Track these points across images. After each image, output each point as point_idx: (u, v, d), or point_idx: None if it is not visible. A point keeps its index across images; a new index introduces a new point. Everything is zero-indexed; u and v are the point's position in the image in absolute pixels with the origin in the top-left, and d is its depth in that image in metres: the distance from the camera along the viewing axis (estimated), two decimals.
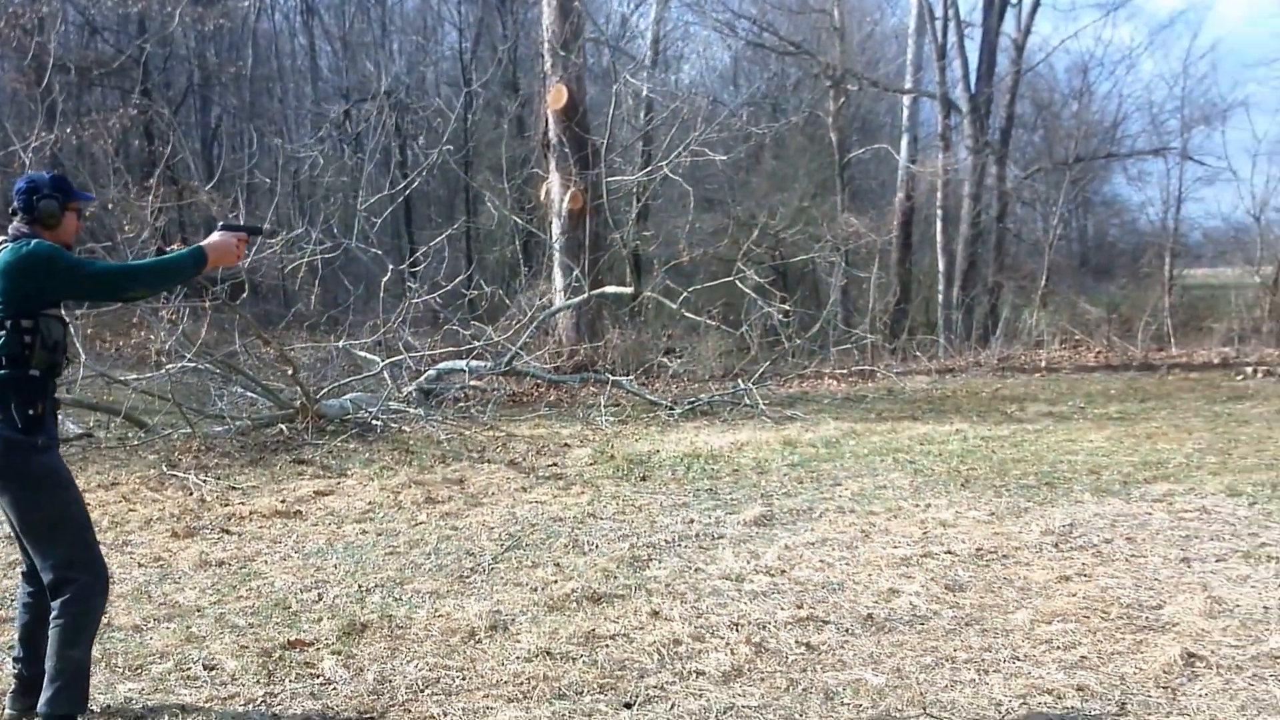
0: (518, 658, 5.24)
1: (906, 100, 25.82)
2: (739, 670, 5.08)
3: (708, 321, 16.61)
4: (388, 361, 13.90)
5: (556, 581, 6.53)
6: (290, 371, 12.04)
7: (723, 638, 5.50)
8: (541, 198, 19.69)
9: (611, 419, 13.49)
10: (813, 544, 7.44)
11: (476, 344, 15.07)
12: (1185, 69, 38.27)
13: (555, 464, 10.66)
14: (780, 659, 5.24)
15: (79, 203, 4.52)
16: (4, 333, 4.19)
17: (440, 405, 13.91)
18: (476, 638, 5.52)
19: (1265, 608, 5.94)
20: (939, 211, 25.27)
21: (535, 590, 6.36)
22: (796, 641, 5.46)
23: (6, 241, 4.31)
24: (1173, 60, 63.49)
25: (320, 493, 9.23)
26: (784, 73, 30.18)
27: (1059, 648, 5.38)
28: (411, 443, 11.62)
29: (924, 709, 4.66)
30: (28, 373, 4.22)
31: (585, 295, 16.66)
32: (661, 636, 5.47)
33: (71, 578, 4.30)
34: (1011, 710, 4.65)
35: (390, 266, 15.11)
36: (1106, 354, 20.75)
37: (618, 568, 6.86)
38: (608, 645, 5.42)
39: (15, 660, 4.64)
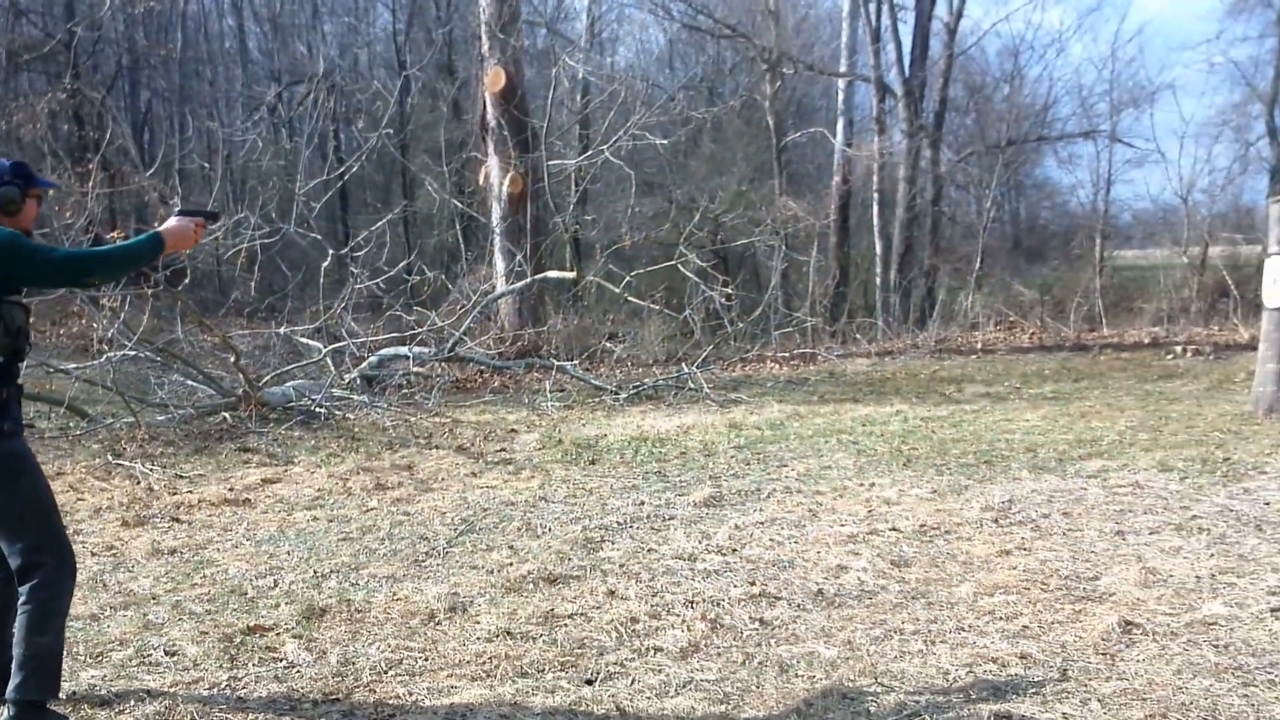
0: (478, 638, 5.34)
1: (841, 84, 26.01)
2: (696, 646, 5.21)
3: (651, 306, 16.72)
4: (330, 348, 13.90)
5: (512, 564, 6.63)
6: (233, 359, 12.03)
7: (679, 615, 5.62)
8: (480, 182, 19.71)
9: (557, 404, 13.58)
10: (762, 523, 7.58)
11: (419, 330, 15.10)
12: (1113, 52, 38.87)
13: (504, 449, 10.74)
14: (735, 634, 5.38)
15: (39, 189, 4.48)
16: None
17: (384, 392, 13.93)
18: (436, 619, 5.61)
19: (1197, 577, 6.14)
20: (875, 195, 25.49)
21: (492, 573, 6.45)
22: (750, 617, 5.59)
23: None
24: (1101, 44, 64.10)
25: (268, 480, 9.25)
26: (720, 56, 30.29)
27: (1002, 618, 5.54)
28: (357, 430, 11.66)
29: (876, 679, 4.81)
30: None
31: (529, 280, 16.72)
32: (619, 615, 5.58)
33: (39, 563, 4.26)
34: (959, 679, 4.80)
35: (331, 252, 15.13)
36: (1040, 335, 21.05)
37: (572, 549, 6.97)
38: (566, 625, 5.53)
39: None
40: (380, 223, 15.46)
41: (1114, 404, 12.95)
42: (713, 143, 26.64)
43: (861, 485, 8.78)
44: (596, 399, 14.02)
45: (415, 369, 15.06)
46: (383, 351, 15.23)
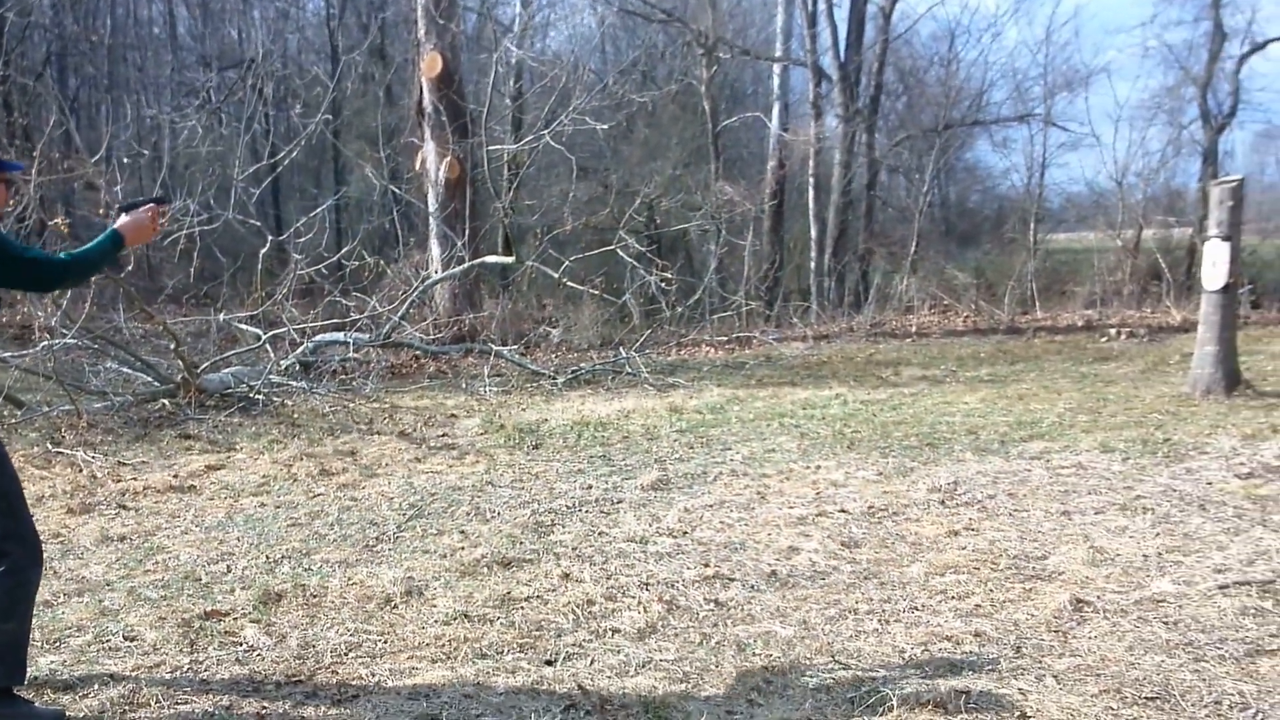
0: (436, 621, 5.32)
1: (776, 69, 26.05)
2: (653, 627, 5.23)
3: (590, 291, 16.70)
4: (270, 334, 13.76)
5: (464, 548, 6.61)
6: (173, 345, 11.87)
7: (634, 597, 5.64)
8: (417, 167, 19.56)
9: (496, 389, 13.54)
10: (711, 506, 7.61)
11: (358, 316, 14.99)
12: (1049, 36, 39.21)
13: (446, 434, 10.70)
14: (692, 615, 5.40)
15: (7, 173, 4.39)
16: None
17: (321, 378, 13.82)
18: (393, 603, 5.58)
19: (1144, 556, 6.24)
20: (811, 179, 25.56)
21: (445, 557, 6.43)
22: (705, 599, 5.61)
23: None
24: (1037, 27, 64.68)
25: (212, 467, 9.16)
26: (652, 40, 30.25)
27: (954, 597, 5.61)
28: (297, 416, 11.56)
29: (833, 657, 4.84)
30: None
31: (468, 265, 16.64)
32: (575, 597, 5.59)
33: (5, 551, 4.21)
34: (915, 656, 4.85)
35: (270, 238, 14.98)
36: (974, 318, 21.25)
37: (523, 533, 6.96)
38: (523, 607, 5.52)
39: None
40: (320, 208, 15.32)
41: (1051, 386, 13.10)
42: (647, 128, 26.60)
43: (807, 468, 8.82)
44: (535, 384, 13.98)
45: (352, 355, 14.95)
46: (320, 337, 15.08)
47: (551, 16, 32.96)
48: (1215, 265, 11.59)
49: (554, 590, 5.77)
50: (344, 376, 14.15)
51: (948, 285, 23.19)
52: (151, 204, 4.48)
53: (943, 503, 7.62)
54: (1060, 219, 28.87)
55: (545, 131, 17.24)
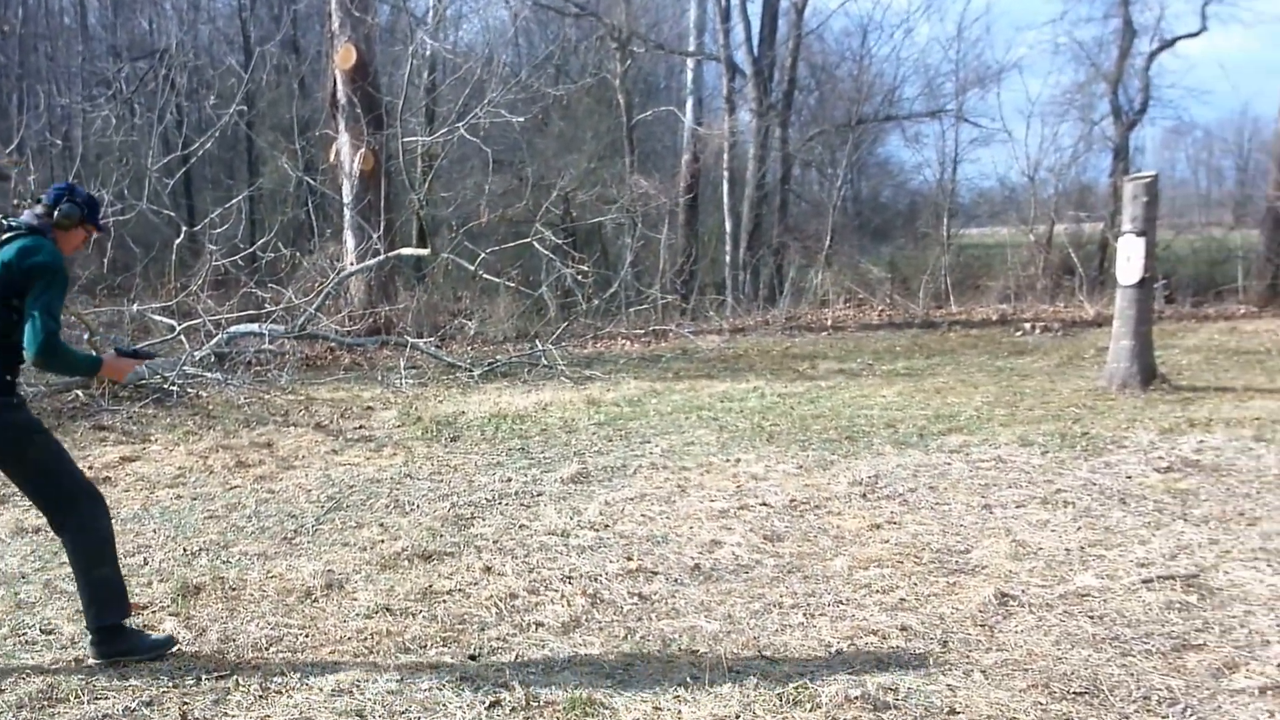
0: (358, 615, 5.22)
1: (690, 63, 26.06)
2: (577, 621, 5.16)
3: (506, 284, 16.58)
4: (184, 325, 13.49)
5: (384, 541, 6.51)
6: (87, 336, 11.60)
7: (557, 590, 5.56)
8: (331, 159, 19.30)
9: (412, 381, 13.38)
10: (632, 499, 7.54)
11: (273, 308, 14.77)
12: (960, 32, 39.55)
13: (363, 426, 10.55)
14: (615, 609, 5.33)
15: (94, 228, 4.95)
16: None
17: (235, 370, 13.57)
18: (313, 597, 5.48)
19: (1067, 550, 6.27)
20: (725, 174, 25.59)
21: (365, 550, 6.32)
22: (629, 592, 5.55)
23: (19, 229, 4.68)
24: (948, 24, 65.43)
25: (126, 459, 8.97)
26: (566, 34, 30.13)
27: (878, 591, 5.59)
28: (211, 408, 11.35)
29: (759, 652, 4.80)
30: (8, 343, 4.58)
31: (383, 257, 16.44)
32: (497, 591, 5.51)
33: (72, 509, 4.69)
34: (842, 651, 4.82)
35: (184, 228, 14.71)
36: (889, 312, 21.38)
37: (443, 526, 6.86)
38: (445, 601, 5.44)
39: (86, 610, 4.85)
40: (235, 200, 15.07)
41: (968, 380, 13.19)
42: (562, 121, 26.50)
43: (727, 461, 8.80)
44: (451, 376, 13.84)
45: (267, 346, 14.72)
46: (234, 329, 14.81)
47: (465, 9, 32.73)
48: (1130, 260, 11.73)
49: (476, 584, 5.68)
50: (259, 368, 13.91)
51: (862, 279, 23.32)
52: (136, 356, 5.01)
53: (864, 496, 7.62)
54: (973, 214, 29.15)
55: (460, 124, 17.08)
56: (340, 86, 18.35)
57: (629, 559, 6.09)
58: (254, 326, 14.87)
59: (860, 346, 17.12)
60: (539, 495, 7.72)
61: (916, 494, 7.66)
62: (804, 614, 5.26)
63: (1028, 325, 18.75)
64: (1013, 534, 6.60)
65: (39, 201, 4.83)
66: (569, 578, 5.78)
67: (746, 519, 7.02)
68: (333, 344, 16.08)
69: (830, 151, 27.11)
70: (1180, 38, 26.79)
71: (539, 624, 5.12)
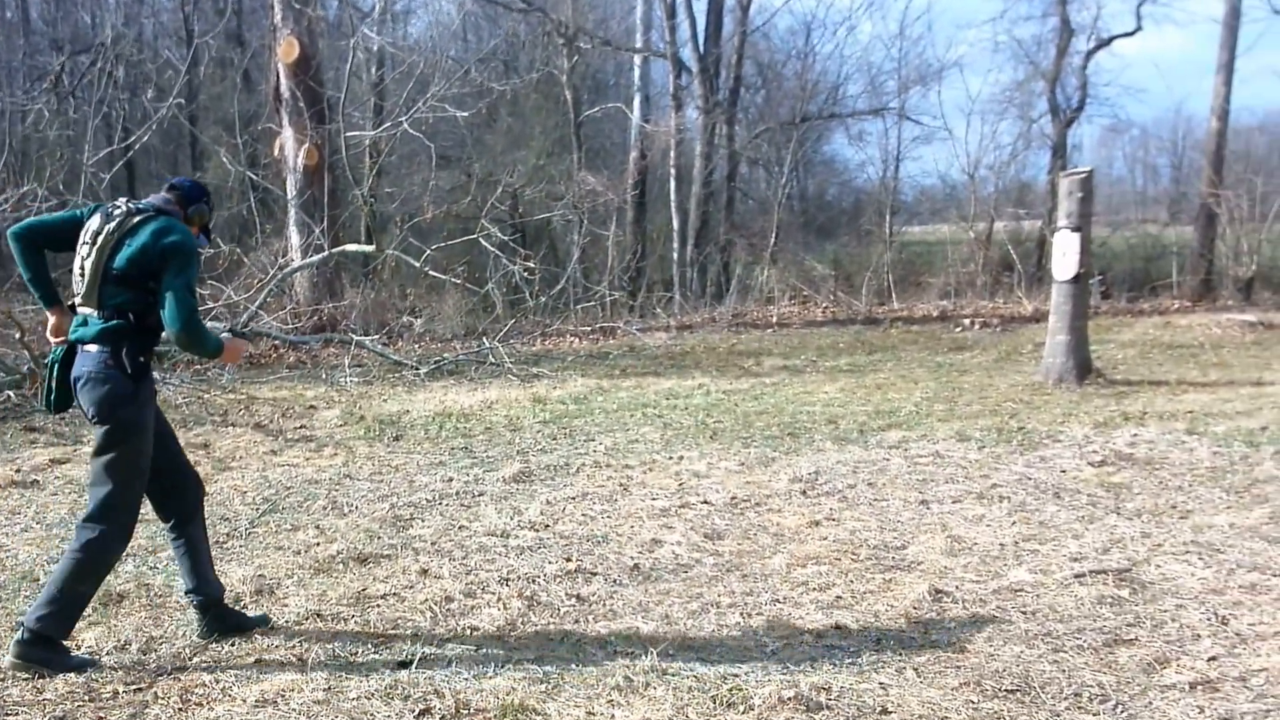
0: (288, 621, 5.15)
1: (637, 59, 26.03)
2: (512, 624, 5.12)
3: (453, 280, 16.50)
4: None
5: (319, 544, 6.44)
6: (18, 335, 11.45)
7: (494, 593, 5.52)
8: (275, 154, 19.14)
9: (356, 380, 13.29)
10: (574, 498, 7.52)
11: (213, 305, 14.62)
12: (902, 30, 39.68)
13: (304, 426, 10.46)
14: (553, 611, 5.30)
15: (207, 236, 5.11)
16: (130, 293, 4.61)
17: (175, 369, 13.43)
18: (242, 603, 5.39)
19: (1001, 545, 6.30)
20: (672, 170, 25.57)
21: (299, 553, 6.25)
22: (567, 594, 5.52)
23: (147, 211, 4.70)
24: (891, 21, 65.50)
25: (56, 461, 8.84)
26: (514, 29, 30.01)
27: (815, 589, 5.59)
28: None
29: (695, 653, 4.78)
30: (145, 325, 4.66)
31: (327, 253, 16.31)
32: (433, 594, 5.46)
33: (104, 520, 4.70)
34: (776, 651, 4.81)
35: None
36: (833, 309, 21.42)
37: (380, 528, 6.80)
38: (379, 605, 5.38)
39: (186, 594, 5.03)
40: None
41: (908, 376, 13.27)
42: (510, 117, 26.41)
43: (670, 459, 8.79)
44: (397, 374, 13.75)
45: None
46: None
47: (412, 4, 32.59)
48: (1065, 255, 11.82)
49: (411, 587, 5.63)
50: (199, 367, 13.77)
51: (807, 277, 23.37)
52: (245, 342, 4.89)
53: (804, 493, 7.63)
54: (914, 212, 29.29)
55: (404, 118, 16.98)
56: (283, 81, 18.20)
57: (568, 560, 6.06)
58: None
59: (804, 343, 17.17)
60: (480, 495, 7.67)
61: (855, 490, 7.68)
62: (741, 614, 5.26)
63: (967, 321, 18.88)
64: (948, 529, 6.63)
65: (171, 188, 4.89)
66: (506, 580, 5.74)
67: (687, 517, 7.02)
68: (276, 342, 15.95)
69: (776, 149, 27.15)
70: (1116, 37, 27.13)
71: (474, 628, 5.07)
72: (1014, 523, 6.77)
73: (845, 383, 12.77)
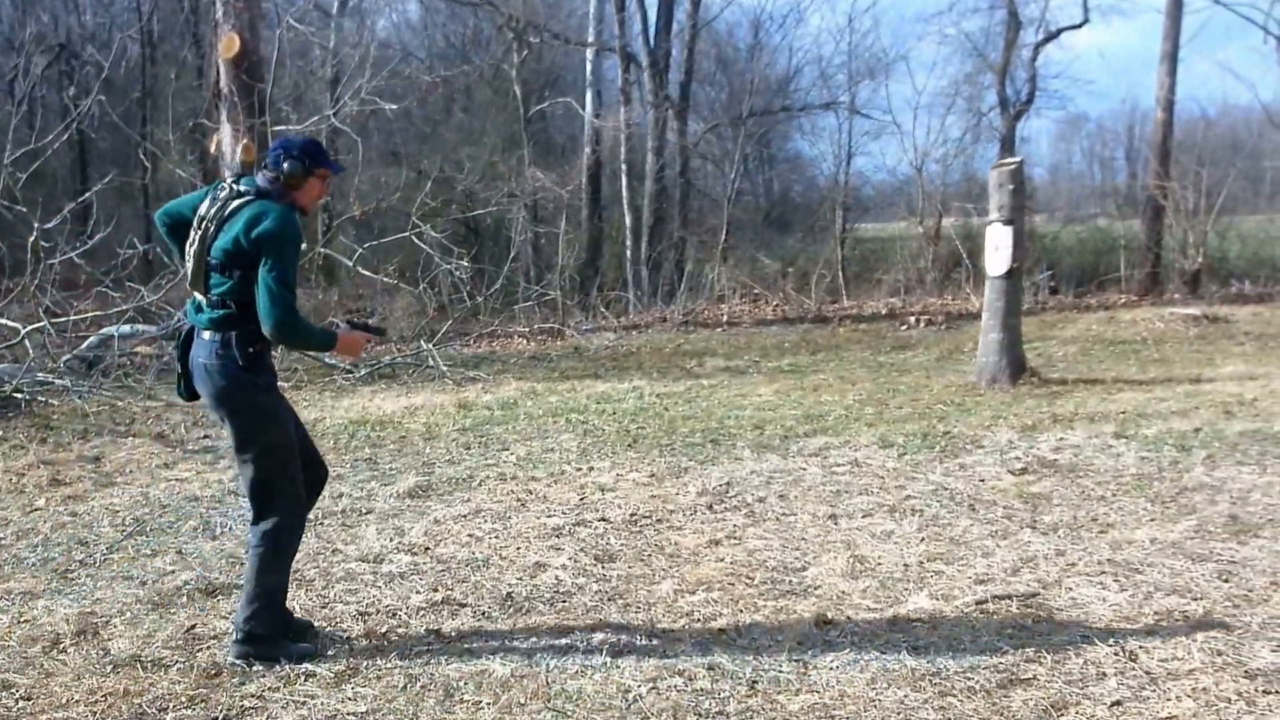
0: (101, 669, 4.66)
1: (589, 54, 25.65)
2: (355, 670, 4.64)
3: (384, 280, 16.08)
4: (29, 329, 12.83)
5: (173, 572, 6.00)
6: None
7: (345, 631, 5.09)
8: (212, 151, 18.62)
9: (287, 384, 12.86)
10: (465, 516, 7.11)
11: (148, 308, 14.20)
12: (850, 22, 39.54)
13: (208, 435, 10.02)
14: (403, 651, 4.84)
15: (327, 170, 4.80)
16: (232, 281, 4.50)
17: (107, 373, 12.97)
18: (60, 645, 4.90)
19: (905, 565, 5.92)
20: (623, 167, 25.19)
21: (144, 584, 5.79)
22: (426, 629, 5.10)
23: (247, 194, 4.59)
24: (840, 14, 65.16)
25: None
26: (478, 26, 29.65)
27: (698, 619, 5.19)
28: (55, 418, 10.73)
29: (547, 701, 4.35)
30: (252, 314, 4.48)
31: None
32: None
33: (272, 509, 4.71)
34: (639, 697, 4.39)
35: (37, 226, 14.05)
36: (784, 308, 21.08)
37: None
38: (210, 646, 4.92)
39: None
40: (86, 195, 14.40)
41: (847, 377, 12.95)
42: (464, 112, 26.04)
43: (580, 470, 8.41)
44: (328, 378, 13.33)
45: (141, 348, 14.16)
46: (103, 330, 14.21)
47: (380, 3, 32.24)
48: (998, 250, 11.47)
49: None
50: (122, 371, 13.31)
51: (760, 274, 23.02)
52: (371, 335, 5.07)
53: (710, 507, 7.25)
54: (867, 207, 29.06)
55: (330, 112, 16.55)
56: (223, 76, 17.69)
57: (436, 590, 5.64)
58: (125, 328, 14.32)
59: (750, 343, 16.82)
60: (367, 513, 7.25)
61: (765, 504, 7.30)
62: (610, 652, 4.83)
63: (913, 319, 18.55)
64: (853, 548, 6.26)
65: (263, 165, 4.74)
66: (364, 614, 5.30)
67: (581, 536, 6.62)
68: None
69: (727, 144, 26.85)
70: (1064, 29, 27.16)
71: (310, 674, 4.60)
72: (923, 539, 6.40)
73: (783, 384, 12.42)
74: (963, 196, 24.81)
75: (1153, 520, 6.68)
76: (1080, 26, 26.90)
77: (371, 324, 5.16)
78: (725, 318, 20.19)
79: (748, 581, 5.75)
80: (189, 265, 4.59)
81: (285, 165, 4.64)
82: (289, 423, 4.82)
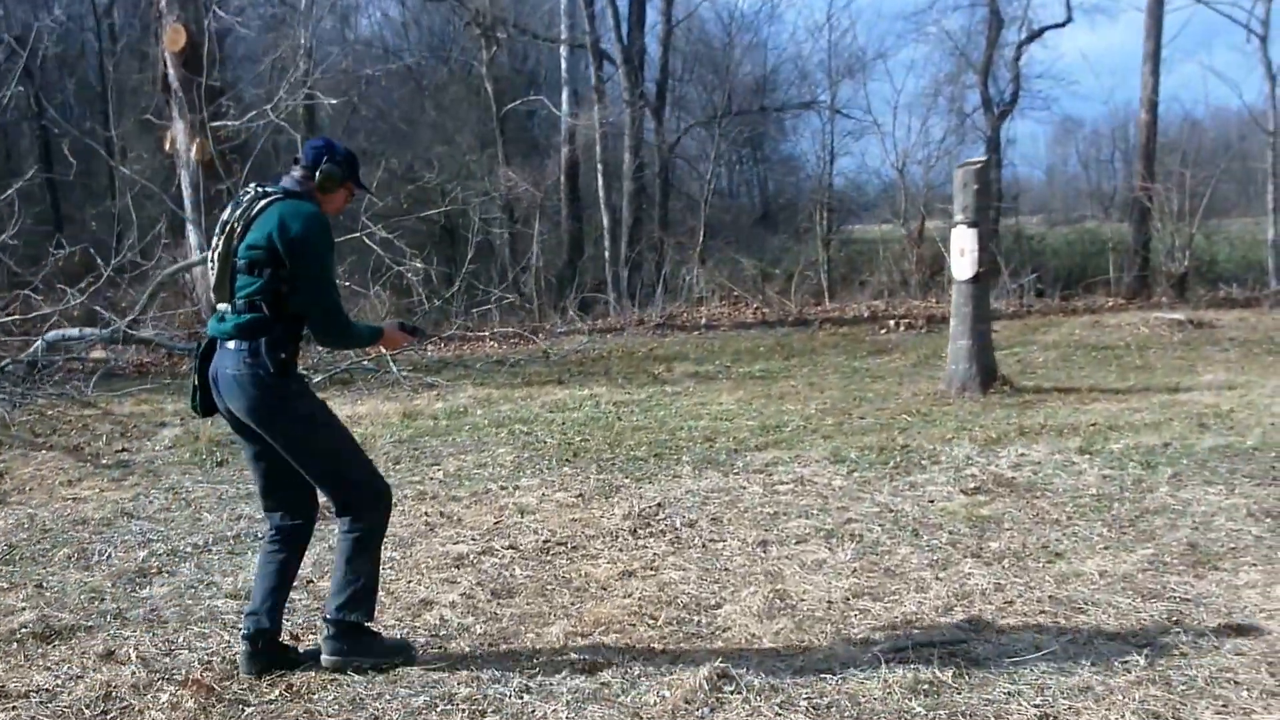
0: None
1: (564, 51, 25.17)
2: None
3: (343, 283, 15.56)
4: None
5: (20, 610, 5.39)
6: None
7: (168, 689, 4.42)
8: (166, 148, 18.10)
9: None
10: None
11: (82, 311, 13.75)
12: (830, 20, 39.13)
13: (127, 449, 9.53)
14: (233, 713, 4.26)
15: (355, 188, 4.67)
16: (261, 280, 4.29)
17: (43, 381, 12.48)
18: None
19: (829, 603, 5.37)
20: (599, 166, 24.66)
21: None
22: (269, 685, 4.44)
23: (277, 192, 4.40)
24: (818, 12, 64.60)
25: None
26: (456, 24, 29.21)
27: (581, 673, 4.56)
28: None
29: None
30: (282, 315, 4.32)
31: (202, 255, 15.34)
32: (90, 691, 4.36)
33: (356, 500, 4.55)
34: None
35: None
36: (763, 310, 20.55)
37: (114, 585, 5.81)
38: (17, 708, 4.29)
39: (248, 615, 4.60)
40: (9, 191, 13.86)
41: (817, 383, 12.48)
42: (435, 111, 25.53)
43: (505, 489, 7.88)
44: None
45: (96, 353, 13.73)
46: (49, 334, 13.72)
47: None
48: (964, 254, 10.92)
49: (77, 678, 4.53)
50: (62, 376, 12.84)
51: (739, 277, 22.49)
52: (411, 334, 4.93)
53: (634, 532, 6.71)
54: (851, 209, 28.65)
55: (268, 106, 16.04)
56: (171, 71, 17.16)
57: (296, 638, 5.05)
58: (73, 331, 13.90)
59: (724, 347, 16.33)
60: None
61: (694, 528, 6.76)
62: (470, 711, 4.25)
63: (892, 323, 18.02)
64: (777, 580, 5.71)
65: (296, 162, 4.56)
66: (208, 662, 4.69)
67: (483, 567, 6.07)
68: (165, 350, 15.02)
69: (719, 144, 26.37)
70: (1048, 28, 26.81)
71: None
72: (855, 570, 5.85)
73: (748, 391, 11.94)
74: (946, 199, 24.23)
75: (1106, 548, 6.13)
76: (1064, 25, 26.57)
77: (419, 328, 5.05)
78: (703, 321, 19.69)
79: (651, 622, 5.20)
80: (213, 271, 4.41)
81: (325, 167, 4.49)
82: (334, 417, 4.65)
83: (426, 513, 7.25)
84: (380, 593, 5.47)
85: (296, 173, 4.52)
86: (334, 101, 17.15)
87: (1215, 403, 10.27)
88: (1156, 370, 12.76)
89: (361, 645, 4.59)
